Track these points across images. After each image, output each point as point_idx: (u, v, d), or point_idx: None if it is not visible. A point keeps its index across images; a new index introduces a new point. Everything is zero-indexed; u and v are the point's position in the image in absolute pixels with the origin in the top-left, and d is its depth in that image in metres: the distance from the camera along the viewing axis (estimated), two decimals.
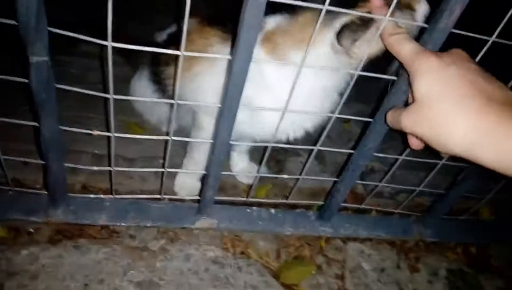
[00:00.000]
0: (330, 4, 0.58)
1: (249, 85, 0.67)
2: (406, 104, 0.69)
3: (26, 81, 0.64)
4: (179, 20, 0.57)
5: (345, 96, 0.76)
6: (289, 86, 0.71)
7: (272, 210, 1.06)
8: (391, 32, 0.63)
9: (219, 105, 0.71)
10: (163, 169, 0.88)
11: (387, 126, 0.79)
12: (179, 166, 1.18)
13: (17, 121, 0.73)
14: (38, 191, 0.94)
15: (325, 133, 0.82)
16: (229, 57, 0.64)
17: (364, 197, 1.11)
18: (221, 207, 1.04)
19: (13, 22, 0.56)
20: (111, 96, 0.65)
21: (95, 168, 0.87)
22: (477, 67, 0.55)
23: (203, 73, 0.89)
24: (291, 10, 0.76)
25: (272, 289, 0.95)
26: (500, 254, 1.23)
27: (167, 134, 0.79)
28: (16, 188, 0.92)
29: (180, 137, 0.84)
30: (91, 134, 0.76)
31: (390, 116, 0.65)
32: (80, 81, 1.35)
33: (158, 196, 0.97)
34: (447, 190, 1.06)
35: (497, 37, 0.67)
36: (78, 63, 1.42)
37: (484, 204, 1.20)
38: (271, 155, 1.31)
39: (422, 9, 0.69)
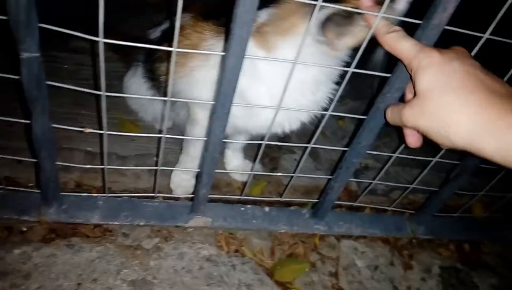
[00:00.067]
0: None
1: (241, 76, 0.66)
2: (402, 102, 0.69)
3: (17, 77, 0.63)
4: (173, 16, 0.57)
5: (338, 94, 0.76)
6: (279, 76, 0.71)
7: (266, 208, 1.06)
8: (386, 30, 0.63)
9: (213, 102, 0.71)
10: (156, 167, 0.87)
11: (381, 124, 0.80)
12: (173, 163, 1.18)
13: (8, 119, 0.72)
14: (30, 190, 0.93)
15: (319, 130, 0.82)
16: (222, 53, 0.64)
17: (358, 195, 1.11)
18: (215, 205, 1.03)
19: (2, 17, 0.55)
20: (102, 93, 0.65)
21: (87, 166, 0.87)
22: (478, 64, 0.56)
23: (197, 67, 0.89)
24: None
25: (266, 287, 0.95)
26: (493, 251, 1.24)
27: (160, 131, 0.79)
28: (8, 187, 0.92)
29: (174, 134, 0.84)
30: (83, 131, 0.75)
31: (390, 112, 0.65)
32: (73, 77, 1.34)
33: (152, 195, 0.97)
34: (440, 188, 1.07)
35: (491, 34, 0.67)
36: (71, 59, 1.41)
37: (477, 201, 1.21)
38: (265, 153, 1.32)
39: (401, 3, 0.69)
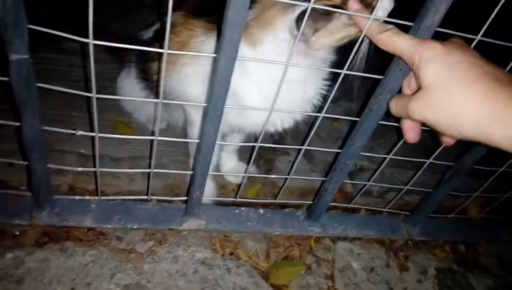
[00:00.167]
0: None
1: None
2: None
3: (7, 79, 0.62)
4: (164, 16, 0.56)
5: (331, 96, 0.76)
6: (265, 72, 0.71)
7: (261, 210, 1.06)
8: (379, 30, 0.63)
9: (205, 104, 0.70)
10: (149, 170, 0.86)
11: (374, 125, 0.80)
12: (167, 166, 1.17)
13: None
14: (22, 193, 0.92)
15: (312, 132, 0.82)
16: (214, 55, 0.63)
17: (353, 196, 1.11)
18: (209, 208, 1.03)
19: None
20: (93, 95, 0.64)
21: (79, 169, 0.86)
22: (478, 54, 0.56)
23: (188, 64, 0.89)
24: None
25: None
26: (489, 252, 1.24)
27: (153, 133, 0.78)
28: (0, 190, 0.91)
29: (169, 135, 0.83)
30: (74, 134, 0.74)
31: (394, 104, 0.65)
32: (65, 79, 1.33)
33: (145, 197, 0.96)
34: (435, 189, 1.06)
35: (483, 35, 0.67)
36: (63, 61, 1.40)
37: (472, 202, 1.21)
38: (260, 154, 1.31)
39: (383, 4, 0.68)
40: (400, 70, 0.68)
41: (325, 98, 0.90)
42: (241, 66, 0.78)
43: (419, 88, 0.58)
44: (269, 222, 1.04)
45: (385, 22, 0.65)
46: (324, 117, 0.80)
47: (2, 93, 0.74)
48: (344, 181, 1.21)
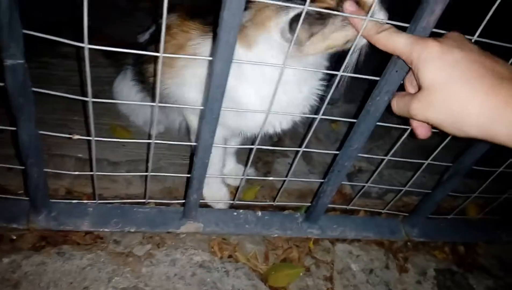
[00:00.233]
0: None
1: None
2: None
3: (2, 84, 0.62)
4: (159, 18, 0.56)
5: (328, 97, 0.76)
6: (262, 74, 0.71)
7: (259, 213, 1.06)
8: (376, 30, 0.62)
9: (201, 107, 0.70)
10: (146, 173, 0.86)
11: (371, 127, 0.79)
12: (166, 169, 1.17)
13: None
14: (20, 197, 0.92)
15: (310, 133, 0.82)
16: (209, 58, 0.63)
17: (352, 198, 1.11)
18: (207, 211, 1.03)
19: None
20: (89, 99, 0.64)
21: (76, 173, 0.86)
22: (477, 47, 0.56)
23: (185, 67, 0.89)
24: None
25: None
26: (488, 252, 1.23)
27: (149, 136, 0.78)
28: None
29: (166, 138, 0.83)
30: (71, 138, 0.74)
31: (396, 104, 0.64)
32: (63, 83, 1.33)
33: (143, 201, 0.96)
34: (433, 189, 1.06)
35: (479, 36, 0.67)
36: (62, 65, 1.41)
37: (471, 202, 1.20)
38: (258, 157, 1.31)
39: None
40: (396, 71, 0.68)
41: (322, 99, 0.90)
42: (237, 67, 0.78)
43: (419, 88, 0.57)
44: (268, 225, 1.04)
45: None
46: (322, 118, 0.80)
47: None
48: (343, 182, 1.20)
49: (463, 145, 0.93)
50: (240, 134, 1.00)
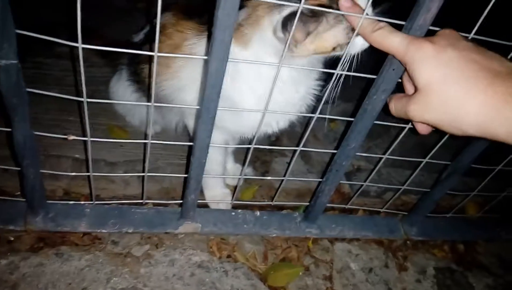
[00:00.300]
0: None
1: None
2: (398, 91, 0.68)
3: None
4: (154, 18, 0.56)
5: (325, 96, 0.75)
6: (257, 72, 0.71)
7: (257, 213, 1.05)
8: (372, 28, 0.62)
9: (198, 107, 0.70)
10: (144, 174, 0.86)
11: (369, 126, 0.79)
12: (163, 169, 1.17)
13: None
14: (17, 199, 0.92)
15: (307, 133, 0.81)
16: (205, 57, 0.63)
17: (351, 197, 1.10)
18: (205, 211, 1.02)
19: None
20: (84, 99, 0.63)
21: (73, 174, 0.86)
22: (471, 44, 0.55)
23: (182, 67, 0.88)
24: None
25: None
26: (487, 251, 1.23)
27: (146, 136, 0.78)
28: None
29: (163, 138, 0.83)
30: (67, 138, 0.74)
31: (393, 105, 0.64)
32: (58, 83, 1.33)
33: (141, 201, 0.95)
34: (432, 188, 1.06)
35: (476, 33, 0.67)
36: (57, 65, 1.40)
37: (470, 201, 1.20)
38: (256, 156, 1.31)
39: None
40: (393, 70, 0.67)
41: (319, 98, 0.89)
42: (232, 66, 0.77)
43: (416, 89, 0.57)
44: (266, 224, 1.04)
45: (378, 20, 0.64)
46: (320, 117, 0.79)
47: None
48: (341, 181, 1.21)
49: (462, 143, 0.92)
50: (239, 137, 1.00)
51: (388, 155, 0.91)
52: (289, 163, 0.95)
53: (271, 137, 1.34)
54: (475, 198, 1.17)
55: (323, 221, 1.08)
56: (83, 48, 0.57)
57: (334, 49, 0.72)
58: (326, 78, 0.84)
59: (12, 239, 0.90)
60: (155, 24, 0.56)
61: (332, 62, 0.78)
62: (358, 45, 0.70)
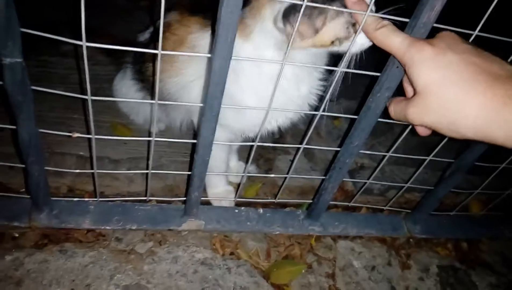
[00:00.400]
0: None
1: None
2: (399, 94, 0.68)
3: (1, 83, 0.62)
4: (158, 18, 0.56)
5: (328, 94, 0.75)
6: (258, 67, 0.71)
7: (260, 210, 1.05)
8: (375, 26, 0.62)
9: (201, 105, 0.70)
10: (147, 171, 0.86)
11: (372, 123, 0.79)
12: (167, 166, 1.17)
13: None
14: (21, 195, 0.92)
15: (310, 130, 0.81)
16: (208, 55, 0.63)
17: (354, 194, 1.10)
18: (209, 208, 1.03)
19: None
20: (88, 97, 0.64)
21: (77, 171, 0.86)
22: (471, 47, 0.55)
23: (186, 62, 0.89)
24: None
25: None
26: (491, 249, 1.23)
27: (149, 134, 0.78)
28: None
29: (167, 136, 0.83)
30: (71, 136, 0.74)
31: (393, 109, 0.63)
32: (63, 81, 1.33)
33: (144, 198, 0.96)
34: (435, 186, 1.06)
35: (480, 30, 0.66)
36: (62, 64, 1.41)
37: (474, 199, 1.20)
38: (260, 154, 1.31)
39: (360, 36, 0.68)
40: (397, 67, 0.67)
41: (322, 96, 0.89)
42: (234, 61, 0.77)
43: (414, 92, 0.57)
44: (269, 222, 1.04)
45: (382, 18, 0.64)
46: (323, 115, 0.79)
47: None
48: (345, 179, 1.20)
49: (465, 141, 0.92)
50: (242, 135, 1.00)
51: (392, 153, 0.91)
52: (292, 161, 0.95)
53: (275, 135, 1.34)
54: (479, 196, 1.17)
55: (326, 218, 1.08)
56: (87, 47, 0.57)
57: (332, 43, 0.72)
58: (327, 78, 0.84)
59: (17, 235, 0.91)
60: (159, 23, 0.56)
61: (334, 62, 0.77)
62: (358, 44, 0.70)
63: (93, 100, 0.66)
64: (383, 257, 1.11)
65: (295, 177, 1.02)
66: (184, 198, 0.95)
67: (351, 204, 1.10)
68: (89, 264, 0.89)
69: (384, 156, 0.94)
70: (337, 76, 0.72)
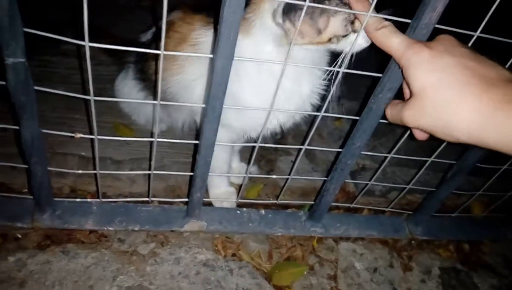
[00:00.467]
0: None
1: None
2: (398, 96, 0.68)
3: (3, 83, 0.62)
4: (160, 18, 0.56)
5: (330, 96, 0.75)
6: (257, 64, 0.71)
7: (262, 211, 1.05)
8: (376, 26, 0.62)
9: (203, 105, 0.70)
10: (150, 172, 0.86)
11: (374, 124, 0.79)
12: (169, 167, 1.17)
13: None
14: (24, 196, 0.92)
15: (312, 131, 0.81)
16: (210, 55, 0.63)
17: (356, 196, 1.10)
18: (211, 209, 1.03)
19: None
20: (91, 97, 0.64)
21: (79, 171, 0.86)
22: (468, 50, 0.55)
23: (188, 59, 0.89)
24: None
25: None
26: (493, 250, 1.23)
27: (152, 135, 0.78)
28: (1, 193, 0.91)
29: (169, 137, 0.83)
30: (74, 136, 0.74)
31: (389, 112, 0.64)
32: (65, 81, 1.33)
33: (147, 199, 0.96)
34: (437, 187, 1.06)
35: (482, 31, 0.67)
36: (63, 63, 1.41)
37: (476, 200, 1.20)
38: (261, 155, 1.31)
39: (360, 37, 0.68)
40: (399, 68, 0.67)
41: (324, 97, 0.89)
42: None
43: (411, 95, 0.57)
44: (271, 223, 1.04)
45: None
46: (325, 116, 0.79)
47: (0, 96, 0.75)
48: (346, 180, 1.20)
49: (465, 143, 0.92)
50: (244, 135, 1.00)
51: (393, 154, 0.91)
52: (294, 162, 0.95)
53: (277, 135, 1.34)
54: (481, 197, 1.17)
55: (327, 220, 1.08)
56: (90, 47, 0.57)
57: (330, 40, 0.72)
58: (330, 77, 0.83)
59: (20, 236, 0.91)
60: (162, 22, 0.56)
61: (332, 60, 0.77)
62: (356, 45, 0.70)
63: (95, 101, 0.66)
64: (385, 259, 1.10)
65: (296, 178, 1.02)
66: (186, 199, 0.95)
67: (353, 205, 1.10)
68: (92, 265, 0.89)
69: (386, 157, 0.94)
70: (338, 77, 0.72)
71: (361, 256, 1.09)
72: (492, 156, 0.91)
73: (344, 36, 0.71)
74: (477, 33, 0.66)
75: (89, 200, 0.96)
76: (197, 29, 0.88)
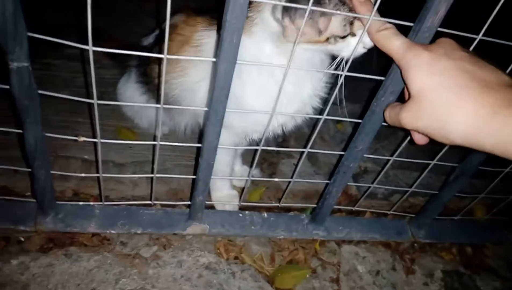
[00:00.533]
0: None
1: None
2: (401, 99, 0.68)
3: (7, 87, 0.62)
4: (163, 21, 0.56)
5: (332, 98, 0.75)
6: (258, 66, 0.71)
7: (265, 214, 1.05)
8: (378, 28, 0.62)
9: (206, 109, 0.70)
10: (152, 175, 0.86)
11: (377, 127, 0.79)
12: (171, 170, 1.17)
13: (0, 129, 0.72)
14: (27, 199, 0.92)
15: (314, 134, 0.81)
16: (213, 59, 0.63)
17: (358, 199, 1.10)
18: (213, 212, 1.03)
19: None
20: (94, 101, 0.64)
21: (82, 175, 0.86)
22: (467, 54, 0.55)
23: (191, 62, 0.89)
24: None
25: None
26: (496, 253, 1.22)
27: (154, 138, 0.78)
28: (4, 196, 0.91)
29: (171, 140, 0.83)
30: (77, 140, 0.74)
31: (388, 115, 0.64)
32: (68, 85, 1.34)
33: (149, 202, 0.96)
34: (440, 190, 1.05)
35: (484, 34, 0.67)
36: (66, 67, 1.41)
37: (478, 203, 1.19)
38: (264, 158, 1.31)
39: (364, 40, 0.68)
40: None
41: (326, 100, 0.89)
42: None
43: (409, 97, 0.57)
44: (273, 226, 1.04)
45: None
46: (327, 119, 0.79)
47: (5, 98, 0.75)
48: (349, 183, 1.20)
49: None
50: (246, 137, 1.00)
51: (396, 157, 0.91)
52: (296, 165, 0.95)
53: (278, 138, 1.34)
54: (483, 200, 1.17)
55: (330, 223, 1.08)
56: (93, 50, 0.57)
57: (327, 40, 0.71)
58: (333, 80, 0.84)
59: (22, 239, 0.91)
60: (165, 26, 0.56)
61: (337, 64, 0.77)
62: (352, 49, 0.69)
63: (98, 104, 0.67)
64: (388, 262, 1.10)
65: (299, 181, 1.02)
66: (189, 202, 0.95)
67: (355, 208, 1.09)
68: (94, 268, 0.89)
69: (388, 160, 0.94)
70: (341, 80, 0.72)
71: (363, 259, 1.09)
72: (495, 158, 0.92)
73: (342, 37, 0.71)
74: (479, 36, 0.66)
75: (91, 203, 0.96)
76: (199, 31, 0.88)
